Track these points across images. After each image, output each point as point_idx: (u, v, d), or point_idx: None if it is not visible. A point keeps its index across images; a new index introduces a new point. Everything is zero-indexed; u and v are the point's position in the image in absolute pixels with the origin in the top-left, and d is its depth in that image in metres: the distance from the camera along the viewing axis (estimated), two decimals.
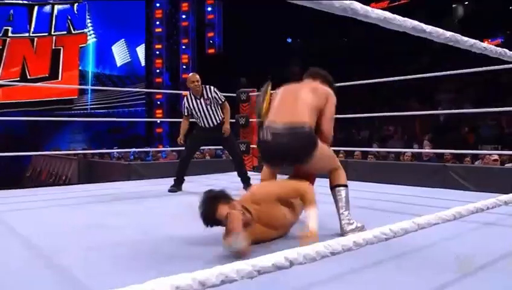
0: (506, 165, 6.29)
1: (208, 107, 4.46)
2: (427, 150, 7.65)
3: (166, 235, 2.60)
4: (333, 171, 2.62)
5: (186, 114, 4.56)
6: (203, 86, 4.50)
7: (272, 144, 2.44)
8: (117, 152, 10.77)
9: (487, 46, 1.24)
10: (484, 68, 4.46)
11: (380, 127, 13.02)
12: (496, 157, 6.13)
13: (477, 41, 1.18)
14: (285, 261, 0.72)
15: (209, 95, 4.47)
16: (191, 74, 4.58)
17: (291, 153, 2.43)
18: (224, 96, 4.62)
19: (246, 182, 4.48)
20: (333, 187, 2.60)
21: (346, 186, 2.60)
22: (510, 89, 10.26)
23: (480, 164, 6.69)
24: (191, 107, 4.48)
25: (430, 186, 4.52)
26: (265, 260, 0.70)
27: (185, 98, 4.54)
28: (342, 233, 2.50)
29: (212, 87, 4.53)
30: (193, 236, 2.53)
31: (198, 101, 4.46)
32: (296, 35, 21.01)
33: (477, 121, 10.45)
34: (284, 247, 1.60)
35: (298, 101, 2.49)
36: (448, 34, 1.13)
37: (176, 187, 4.51)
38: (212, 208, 2.09)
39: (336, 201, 2.57)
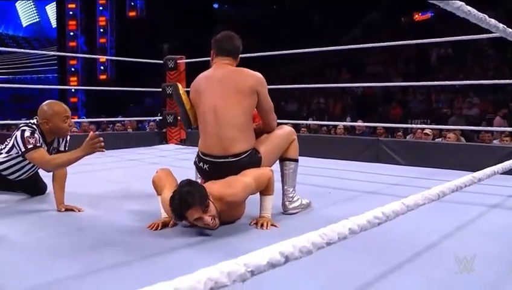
0: (436, 139, 6.65)
1: None
2: (359, 124, 7.87)
3: (95, 217, 2.39)
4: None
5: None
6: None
7: (211, 172, 2.30)
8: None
9: (471, 10, 1.19)
10: (413, 41, 4.64)
11: (310, 100, 13.24)
12: (428, 131, 6.48)
13: (463, 3, 1.12)
14: (280, 256, 0.61)
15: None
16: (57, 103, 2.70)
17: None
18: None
19: None
20: (282, 160, 2.52)
21: (296, 161, 2.53)
22: (438, 64, 10.80)
23: (412, 138, 7.04)
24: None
25: (364, 160, 4.67)
26: (258, 257, 0.58)
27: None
28: (284, 210, 2.48)
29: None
30: (128, 218, 2.35)
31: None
32: (223, 0, 20.66)
33: (406, 95, 10.93)
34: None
35: (227, 124, 2.26)
36: None
37: None
38: (184, 209, 1.94)
39: (283, 175, 2.51)
